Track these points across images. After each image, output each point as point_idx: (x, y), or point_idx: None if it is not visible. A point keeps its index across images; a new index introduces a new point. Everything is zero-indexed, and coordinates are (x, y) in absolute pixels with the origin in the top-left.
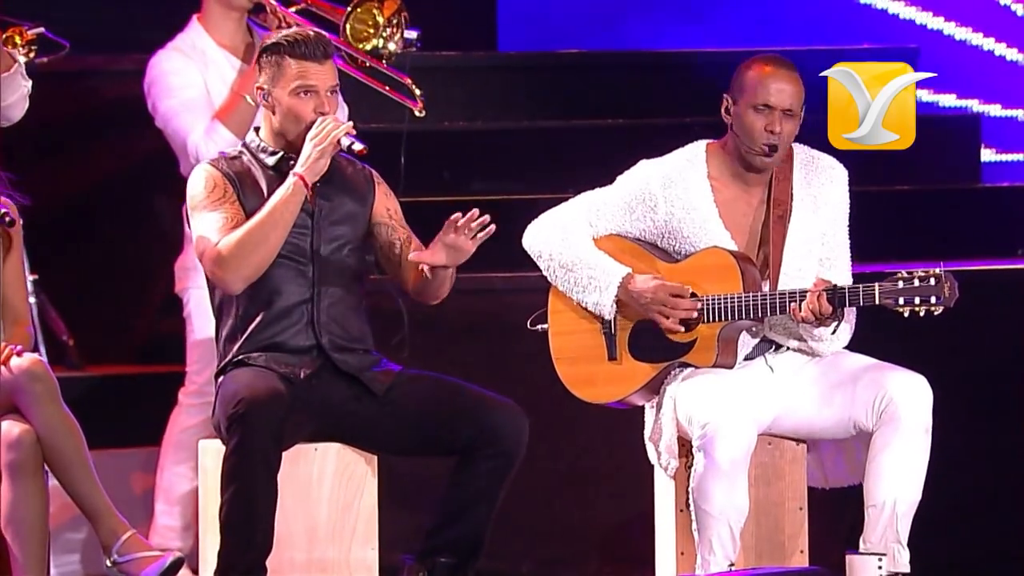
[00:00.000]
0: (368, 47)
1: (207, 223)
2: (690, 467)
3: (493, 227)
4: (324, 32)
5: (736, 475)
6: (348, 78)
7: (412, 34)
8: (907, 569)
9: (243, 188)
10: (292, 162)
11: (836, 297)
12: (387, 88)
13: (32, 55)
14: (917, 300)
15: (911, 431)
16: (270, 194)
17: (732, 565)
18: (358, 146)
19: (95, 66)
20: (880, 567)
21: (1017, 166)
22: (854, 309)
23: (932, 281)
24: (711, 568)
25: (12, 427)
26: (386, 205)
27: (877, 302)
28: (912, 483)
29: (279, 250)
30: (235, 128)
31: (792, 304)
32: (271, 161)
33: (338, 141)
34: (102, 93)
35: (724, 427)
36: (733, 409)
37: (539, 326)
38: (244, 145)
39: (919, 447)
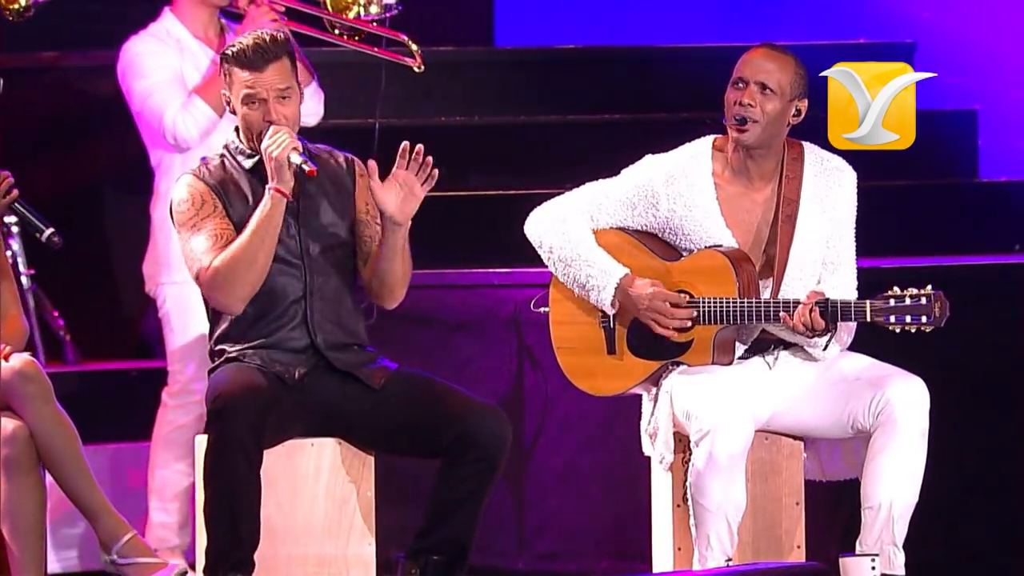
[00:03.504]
0: (351, 15)
1: (196, 245)
2: (687, 462)
3: (436, 174)
4: (280, 32)
5: (733, 470)
6: (340, 66)
7: None
8: (902, 571)
9: (227, 196)
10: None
11: (828, 312)
12: (385, 52)
13: None
14: (908, 319)
15: (908, 435)
16: (254, 198)
17: (729, 560)
18: (308, 167)
19: (92, 62)
20: (873, 567)
21: (1015, 161)
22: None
23: (923, 300)
24: (708, 563)
25: (6, 423)
26: (366, 199)
27: (868, 319)
28: (908, 486)
29: (271, 262)
30: (214, 103)
31: (784, 313)
32: (248, 164)
33: (288, 157)
34: (98, 89)
35: (722, 423)
36: (731, 405)
37: (542, 308)
38: (225, 146)
39: (915, 450)
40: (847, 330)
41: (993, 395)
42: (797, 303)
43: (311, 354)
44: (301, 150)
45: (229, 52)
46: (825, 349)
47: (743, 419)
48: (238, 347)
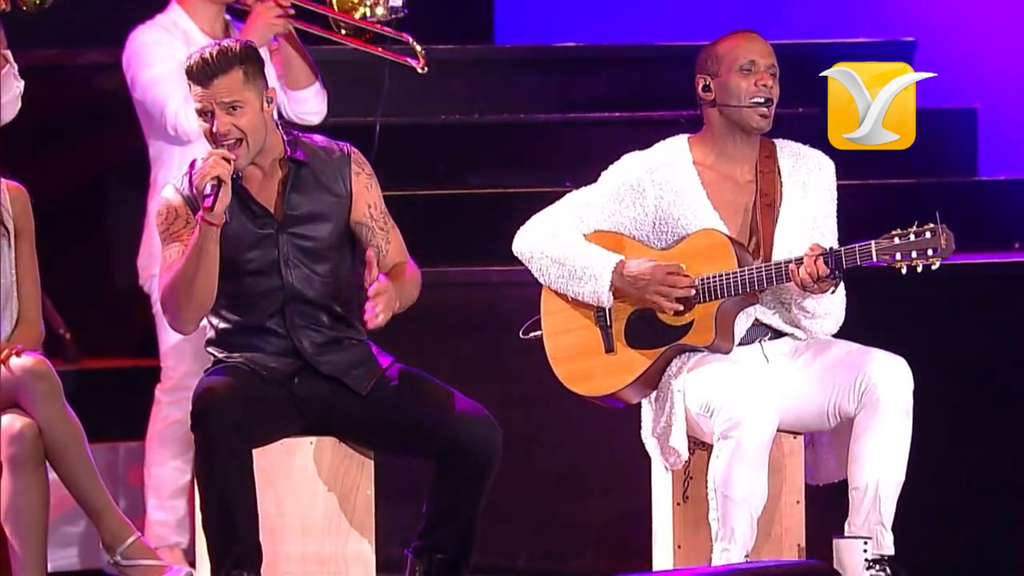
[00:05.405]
0: (357, 15)
1: (162, 262)
2: (689, 463)
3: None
4: (237, 43)
5: (760, 460)
6: (343, 64)
7: (397, 1)
8: (891, 551)
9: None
10: (241, 174)
11: (832, 259)
12: (389, 52)
13: None
14: (914, 254)
15: (891, 414)
16: (228, 210)
17: (747, 557)
18: (207, 203)
19: (91, 60)
20: (865, 550)
21: (1014, 159)
22: (844, 296)
23: (928, 234)
24: (732, 558)
25: (14, 421)
26: (367, 201)
27: (874, 259)
28: (893, 466)
29: (215, 286)
30: None
31: (790, 266)
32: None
33: (204, 187)
34: (99, 87)
35: (751, 413)
36: (758, 395)
37: (532, 334)
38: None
39: (899, 429)
40: (838, 303)
41: (993, 393)
42: (800, 259)
43: (297, 358)
44: (223, 176)
45: (185, 66)
46: (833, 292)
47: (770, 409)
48: (225, 353)
